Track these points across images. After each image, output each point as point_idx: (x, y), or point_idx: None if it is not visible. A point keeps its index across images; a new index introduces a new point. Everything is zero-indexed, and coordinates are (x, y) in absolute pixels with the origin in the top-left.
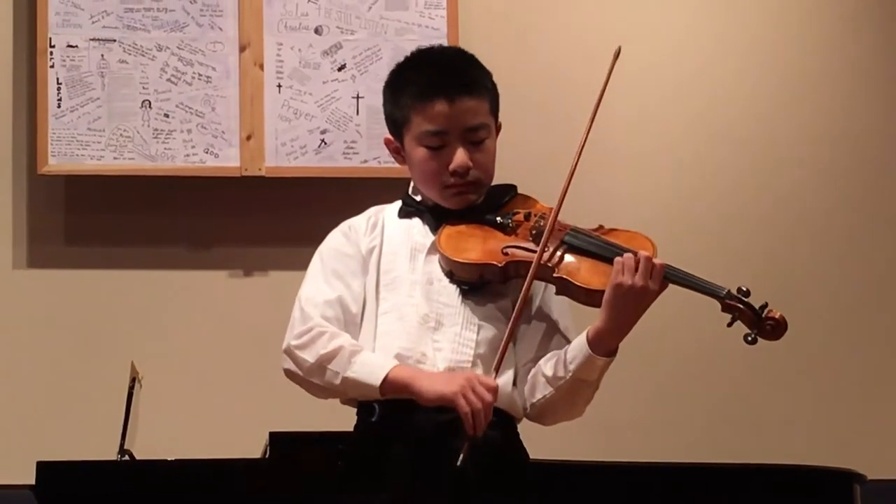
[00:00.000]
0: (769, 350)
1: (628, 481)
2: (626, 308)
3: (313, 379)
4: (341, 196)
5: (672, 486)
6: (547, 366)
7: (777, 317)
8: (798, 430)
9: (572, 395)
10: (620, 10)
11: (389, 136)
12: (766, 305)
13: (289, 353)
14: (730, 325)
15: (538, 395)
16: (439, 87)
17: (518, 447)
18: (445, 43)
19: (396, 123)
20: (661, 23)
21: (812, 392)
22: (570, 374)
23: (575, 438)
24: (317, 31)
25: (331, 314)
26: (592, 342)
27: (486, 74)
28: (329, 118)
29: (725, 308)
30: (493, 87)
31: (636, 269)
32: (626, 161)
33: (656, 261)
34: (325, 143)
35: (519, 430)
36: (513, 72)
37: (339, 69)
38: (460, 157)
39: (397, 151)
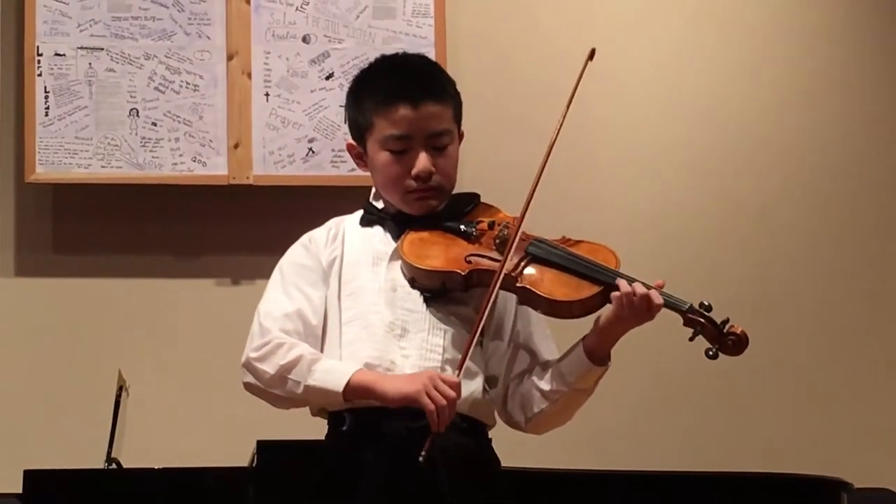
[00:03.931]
0: (757, 359)
1: (614, 489)
2: (624, 329)
3: (274, 390)
4: (329, 205)
5: (658, 495)
6: (542, 381)
7: (738, 332)
8: (785, 438)
9: (570, 405)
10: (609, 21)
11: (352, 142)
12: (727, 321)
13: (248, 366)
14: (691, 339)
15: (535, 409)
16: (404, 92)
17: (490, 454)
18: (433, 52)
19: (359, 128)
20: (649, 34)
21: (799, 400)
22: (571, 387)
23: (560, 447)
24: (304, 39)
25: (290, 327)
26: (592, 355)
27: (450, 81)
28: (317, 127)
29: (687, 322)
30: (457, 94)
31: (636, 302)
32: (613, 171)
33: (654, 297)
34: (313, 152)
35: (501, 438)
36: (500, 81)
37: (327, 78)
38: (423, 161)
39: (360, 157)
